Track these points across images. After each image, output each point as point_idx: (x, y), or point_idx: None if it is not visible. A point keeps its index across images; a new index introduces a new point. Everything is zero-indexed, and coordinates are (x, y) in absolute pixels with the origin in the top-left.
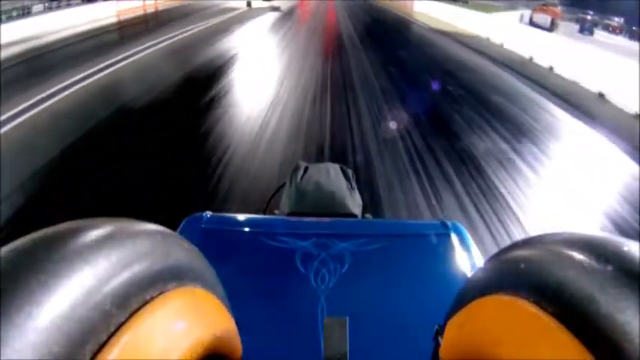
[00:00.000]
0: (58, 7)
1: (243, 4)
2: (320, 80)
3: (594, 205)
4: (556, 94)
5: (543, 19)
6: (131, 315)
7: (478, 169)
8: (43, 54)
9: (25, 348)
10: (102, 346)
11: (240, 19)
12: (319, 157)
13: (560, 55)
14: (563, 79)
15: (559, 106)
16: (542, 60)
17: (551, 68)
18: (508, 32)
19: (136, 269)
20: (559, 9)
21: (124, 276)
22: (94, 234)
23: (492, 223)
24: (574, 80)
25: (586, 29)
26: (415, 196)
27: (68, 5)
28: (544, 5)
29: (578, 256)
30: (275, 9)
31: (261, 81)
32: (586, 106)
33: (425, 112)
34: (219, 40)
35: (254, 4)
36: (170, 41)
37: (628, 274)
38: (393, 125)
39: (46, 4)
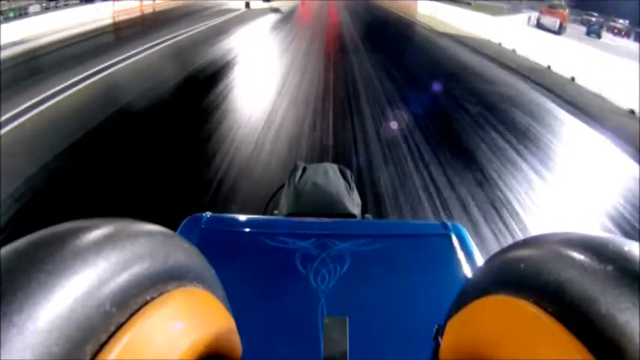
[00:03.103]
0: (57, 7)
1: (242, 5)
2: (323, 84)
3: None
4: (579, 107)
5: (552, 22)
6: (131, 315)
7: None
8: (31, 59)
9: (25, 348)
10: (102, 346)
11: (241, 19)
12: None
13: (580, 65)
14: (588, 92)
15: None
16: (562, 69)
17: (572, 79)
18: (519, 37)
19: (136, 270)
20: (567, 11)
21: (124, 276)
22: (94, 234)
23: None
24: (597, 93)
25: (593, 32)
26: None
27: (66, 5)
28: (551, 7)
29: (578, 256)
30: (275, 10)
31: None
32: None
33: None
34: (220, 41)
35: (253, 5)
36: (163, 45)
37: (628, 275)
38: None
39: (44, 4)
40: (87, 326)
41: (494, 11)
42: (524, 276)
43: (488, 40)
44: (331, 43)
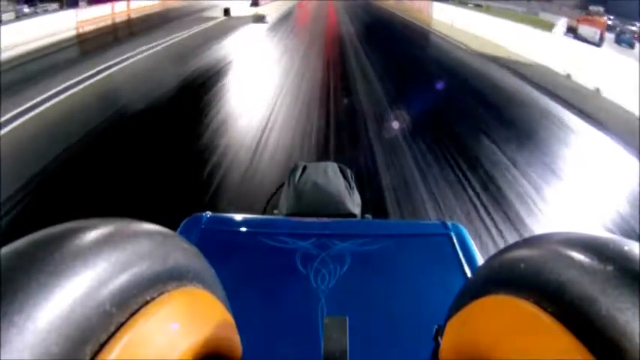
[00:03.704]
0: (36, 13)
1: (231, 9)
2: None
3: None
4: None
5: (591, 32)
6: (131, 315)
7: None
8: None
9: (25, 348)
10: (102, 346)
11: (217, 32)
12: None
13: None
14: None
15: None
16: None
17: None
18: (591, 65)
19: (136, 270)
20: (605, 19)
21: (124, 277)
22: (94, 235)
23: None
24: None
25: (624, 41)
26: None
27: (45, 12)
28: (589, 15)
29: (578, 256)
30: (259, 19)
31: None
32: None
33: None
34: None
35: (236, 12)
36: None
37: (628, 275)
38: None
39: (26, 10)
40: (87, 326)
41: (511, 16)
42: (524, 276)
43: (546, 67)
44: (329, 45)
